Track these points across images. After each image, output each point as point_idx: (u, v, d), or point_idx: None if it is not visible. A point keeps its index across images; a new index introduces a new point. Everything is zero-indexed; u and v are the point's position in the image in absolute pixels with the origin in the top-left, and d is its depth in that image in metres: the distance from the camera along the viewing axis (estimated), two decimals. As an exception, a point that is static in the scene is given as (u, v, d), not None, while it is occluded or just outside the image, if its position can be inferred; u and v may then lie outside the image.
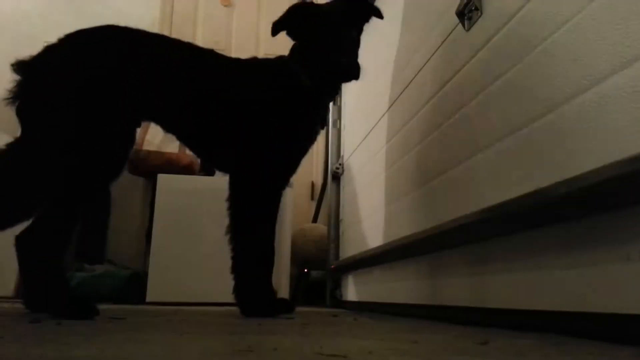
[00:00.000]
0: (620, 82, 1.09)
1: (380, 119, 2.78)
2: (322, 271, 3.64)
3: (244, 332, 1.33)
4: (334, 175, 3.71)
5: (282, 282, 3.44)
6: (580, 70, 1.22)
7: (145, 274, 3.38)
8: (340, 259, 3.42)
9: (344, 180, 3.64)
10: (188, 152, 3.55)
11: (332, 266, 3.41)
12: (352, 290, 3.17)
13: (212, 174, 3.47)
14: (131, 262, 3.99)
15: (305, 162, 4.52)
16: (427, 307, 2.03)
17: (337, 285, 3.42)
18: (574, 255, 1.23)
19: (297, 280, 3.96)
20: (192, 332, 1.28)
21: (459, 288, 1.80)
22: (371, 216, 2.78)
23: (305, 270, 3.82)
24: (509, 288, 1.49)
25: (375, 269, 2.71)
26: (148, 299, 3.27)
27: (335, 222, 3.60)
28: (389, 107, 2.64)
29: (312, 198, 4.52)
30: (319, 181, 4.38)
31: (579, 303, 1.19)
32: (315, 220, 4.23)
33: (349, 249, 3.27)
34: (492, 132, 1.59)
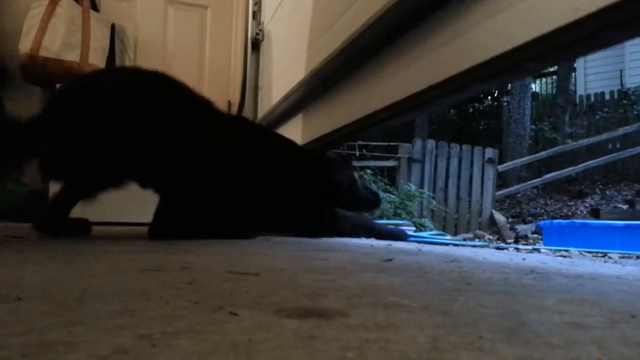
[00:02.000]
0: None
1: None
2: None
3: (154, 251, 1.30)
4: (254, 44, 3.69)
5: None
6: None
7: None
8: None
9: (263, 48, 3.61)
10: (91, 62, 3.26)
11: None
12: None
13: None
14: (31, 180, 3.70)
15: (222, 79, 4.38)
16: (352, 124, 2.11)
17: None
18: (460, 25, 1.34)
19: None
20: (97, 252, 1.23)
21: (378, 93, 1.87)
22: (291, 68, 2.76)
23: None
24: (417, 75, 1.58)
25: (296, 116, 2.77)
26: (50, 218, 3.08)
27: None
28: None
29: (229, 118, 4.41)
30: (236, 99, 4.23)
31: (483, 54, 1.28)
32: (231, 140, 4.16)
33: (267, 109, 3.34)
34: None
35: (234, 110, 4.16)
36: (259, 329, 0.47)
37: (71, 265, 0.93)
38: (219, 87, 4.26)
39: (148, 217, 1.87)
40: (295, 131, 2.82)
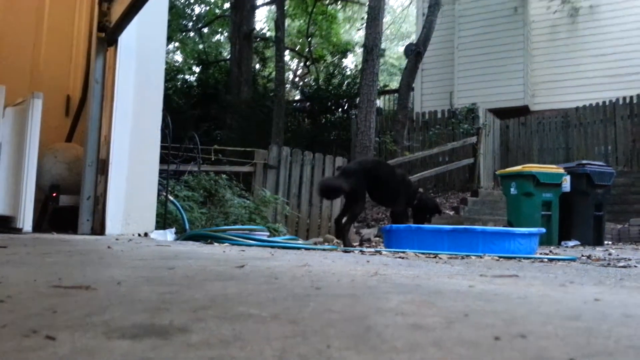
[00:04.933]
0: None
1: None
2: (74, 196, 3.27)
3: (-42, 264, 1.09)
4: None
5: (25, 206, 2.97)
6: None
7: None
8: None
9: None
10: None
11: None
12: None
13: None
14: None
15: (60, 71, 3.91)
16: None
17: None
18: None
19: (43, 205, 3.48)
20: None
21: None
22: None
23: (54, 194, 3.37)
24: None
25: None
26: None
27: (95, 138, 3.19)
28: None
29: (67, 114, 3.94)
30: (76, 95, 3.82)
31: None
32: (69, 139, 3.73)
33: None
34: None
35: (74, 106, 3.76)
36: (80, 355, 0.40)
37: None
38: (56, 80, 3.81)
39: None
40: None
